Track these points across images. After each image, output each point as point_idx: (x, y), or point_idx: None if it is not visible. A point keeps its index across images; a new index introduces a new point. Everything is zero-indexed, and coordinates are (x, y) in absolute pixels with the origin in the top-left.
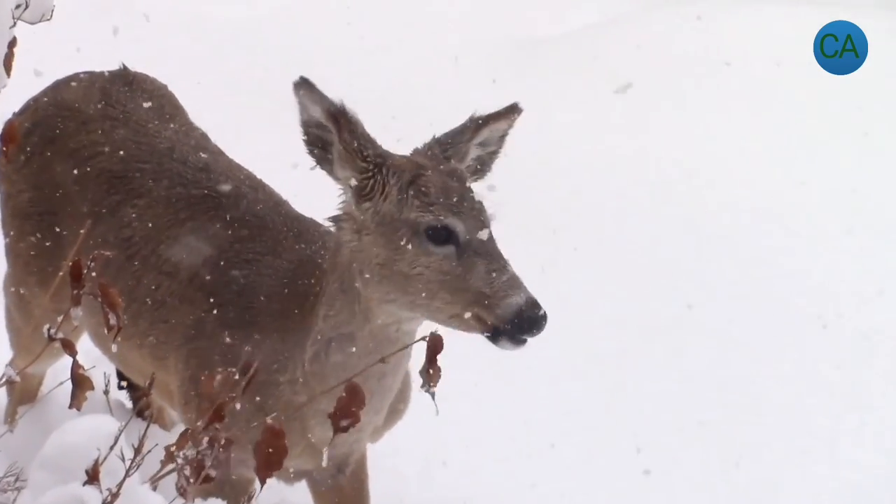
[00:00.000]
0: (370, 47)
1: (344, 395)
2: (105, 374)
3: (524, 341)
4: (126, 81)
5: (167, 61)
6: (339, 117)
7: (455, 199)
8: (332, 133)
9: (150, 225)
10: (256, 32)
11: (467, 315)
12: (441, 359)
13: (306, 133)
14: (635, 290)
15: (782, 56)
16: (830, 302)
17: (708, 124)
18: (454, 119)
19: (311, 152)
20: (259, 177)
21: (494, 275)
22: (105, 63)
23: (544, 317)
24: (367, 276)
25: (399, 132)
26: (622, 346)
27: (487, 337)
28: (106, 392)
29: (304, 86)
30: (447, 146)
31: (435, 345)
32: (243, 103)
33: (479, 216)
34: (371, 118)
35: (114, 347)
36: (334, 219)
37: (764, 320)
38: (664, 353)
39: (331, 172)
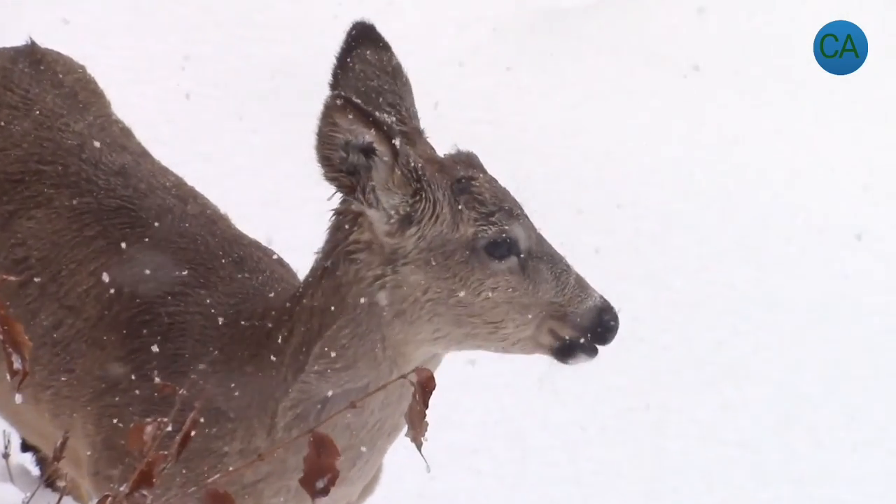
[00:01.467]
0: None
1: (311, 449)
2: (5, 432)
3: (597, 351)
4: (32, 61)
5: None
6: (395, 139)
7: (508, 201)
8: (385, 158)
9: (50, 244)
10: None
11: (542, 333)
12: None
13: (329, 159)
14: (675, 321)
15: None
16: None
17: (740, 113)
18: (458, 106)
19: (336, 181)
20: (191, 184)
21: (563, 278)
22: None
23: (618, 318)
24: (409, 315)
25: None
26: (660, 399)
27: (556, 355)
28: (6, 455)
29: (347, 106)
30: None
31: (426, 383)
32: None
33: (524, 213)
34: None
35: (18, 398)
36: (347, 252)
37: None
38: (714, 408)
39: (366, 202)
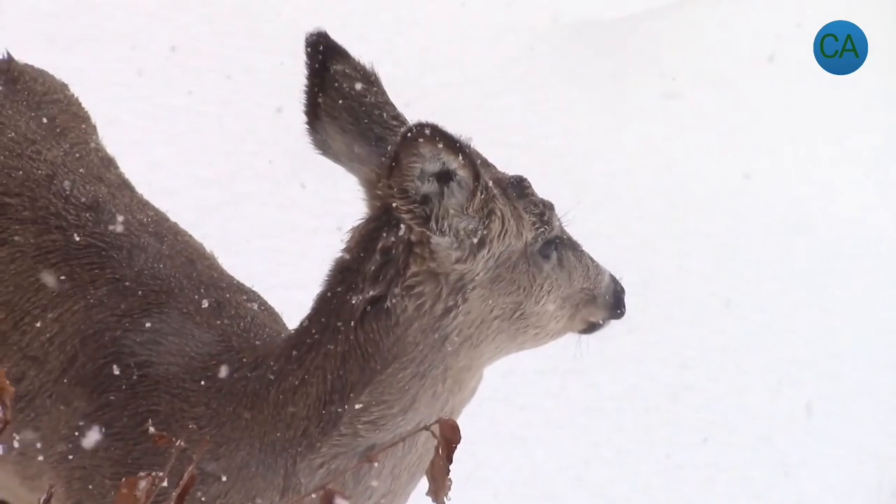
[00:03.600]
0: (377, 31)
1: None
2: None
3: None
4: (8, 78)
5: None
6: (477, 162)
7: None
8: (465, 183)
9: (13, 286)
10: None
11: (575, 322)
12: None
13: (406, 192)
14: (727, 369)
15: (782, 56)
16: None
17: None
18: (484, 128)
19: (412, 212)
20: (173, 220)
21: (584, 260)
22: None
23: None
24: (476, 339)
25: None
26: (710, 455)
27: (587, 332)
28: None
29: (436, 136)
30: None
31: (451, 435)
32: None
33: None
34: None
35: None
36: (407, 287)
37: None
38: (769, 466)
39: (438, 230)
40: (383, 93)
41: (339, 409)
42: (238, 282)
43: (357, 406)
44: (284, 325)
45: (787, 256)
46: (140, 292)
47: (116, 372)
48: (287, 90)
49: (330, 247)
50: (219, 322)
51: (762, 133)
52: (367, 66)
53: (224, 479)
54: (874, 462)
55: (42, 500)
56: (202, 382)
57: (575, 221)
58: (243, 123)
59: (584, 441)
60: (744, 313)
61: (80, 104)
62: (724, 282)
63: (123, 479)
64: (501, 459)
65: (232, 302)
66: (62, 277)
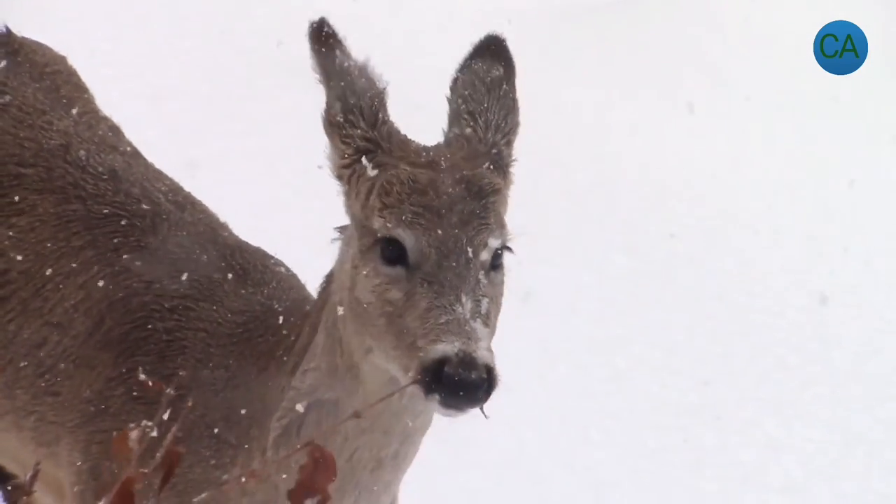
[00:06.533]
0: (367, 14)
1: (308, 461)
2: None
3: (459, 409)
4: (9, 51)
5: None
6: (328, 69)
7: (421, 203)
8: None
9: (34, 255)
10: None
11: (400, 361)
12: None
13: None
14: (715, 353)
15: (782, 56)
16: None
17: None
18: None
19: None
20: (188, 190)
21: (435, 312)
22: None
23: (478, 384)
24: (340, 308)
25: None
26: (698, 438)
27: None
28: None
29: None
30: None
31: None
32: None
33: (454, 230)
34: None
35: None
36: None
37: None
38: (758, 449)
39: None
40: (493, 99)
41: (299, 360)
42: (262, 247)
43: (307, 357)
44: (309, 292)
45: (776, 241)
46: (167, 259)
47: (144, 336)
48: (279, 71)
49: (318, 228)
50: (243, 291)
51: (754, 118)
52: (493, 74)
53: (234, 443)
54: (863, 447)
55: (28, 478)
56: (228, 348)
57: (563, 207)
58: (233, 104)
59: (571, 423)
60: (733, 297)
61: (79, 75)
62: (714, 266)
63: (115, 433)
64: (488, 440)
65: (258, 267)
66: (85, 246)
